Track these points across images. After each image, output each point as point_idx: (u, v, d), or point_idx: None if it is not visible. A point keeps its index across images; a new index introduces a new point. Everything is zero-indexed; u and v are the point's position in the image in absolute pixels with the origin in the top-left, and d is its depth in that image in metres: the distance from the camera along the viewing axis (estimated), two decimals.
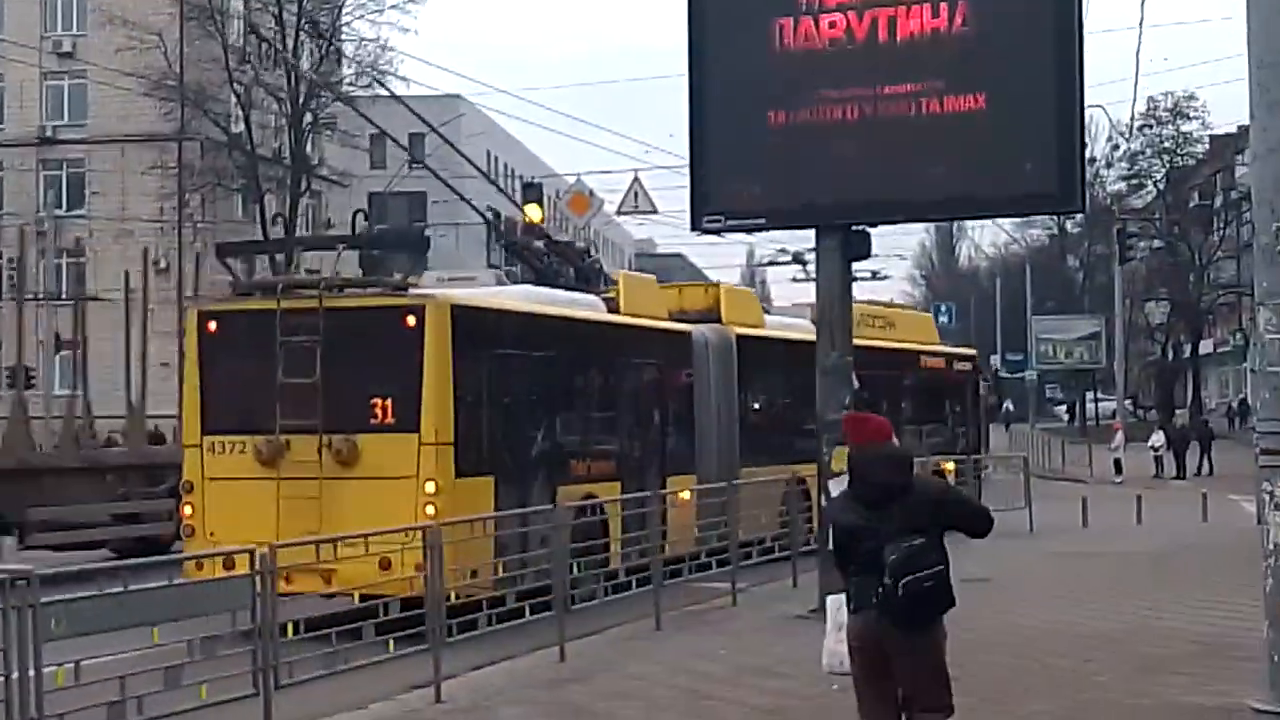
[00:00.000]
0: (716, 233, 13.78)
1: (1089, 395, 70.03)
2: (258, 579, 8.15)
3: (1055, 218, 70.75)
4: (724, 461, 17.55)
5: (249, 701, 8.08)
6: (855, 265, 14.36)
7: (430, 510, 12.37)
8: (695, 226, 13.56)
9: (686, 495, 15.90)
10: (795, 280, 34.01)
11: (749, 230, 14.04)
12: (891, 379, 22.28)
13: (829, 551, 6.51)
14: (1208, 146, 65.38)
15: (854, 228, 13.45)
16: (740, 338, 18.28)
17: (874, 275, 33.54)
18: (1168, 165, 64.57)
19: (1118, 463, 40.41)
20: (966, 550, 19.78)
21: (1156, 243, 64.90)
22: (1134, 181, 66.09)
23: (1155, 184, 65.39)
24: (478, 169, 24.11)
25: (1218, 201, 65.78)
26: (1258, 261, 5.92)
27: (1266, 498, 5.84)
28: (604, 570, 13.62)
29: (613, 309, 16.76)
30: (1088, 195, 17.70)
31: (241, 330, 13.67)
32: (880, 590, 5.93)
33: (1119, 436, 42.13)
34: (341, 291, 13.59)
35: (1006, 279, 77.25)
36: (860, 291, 21.84)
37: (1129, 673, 10.00)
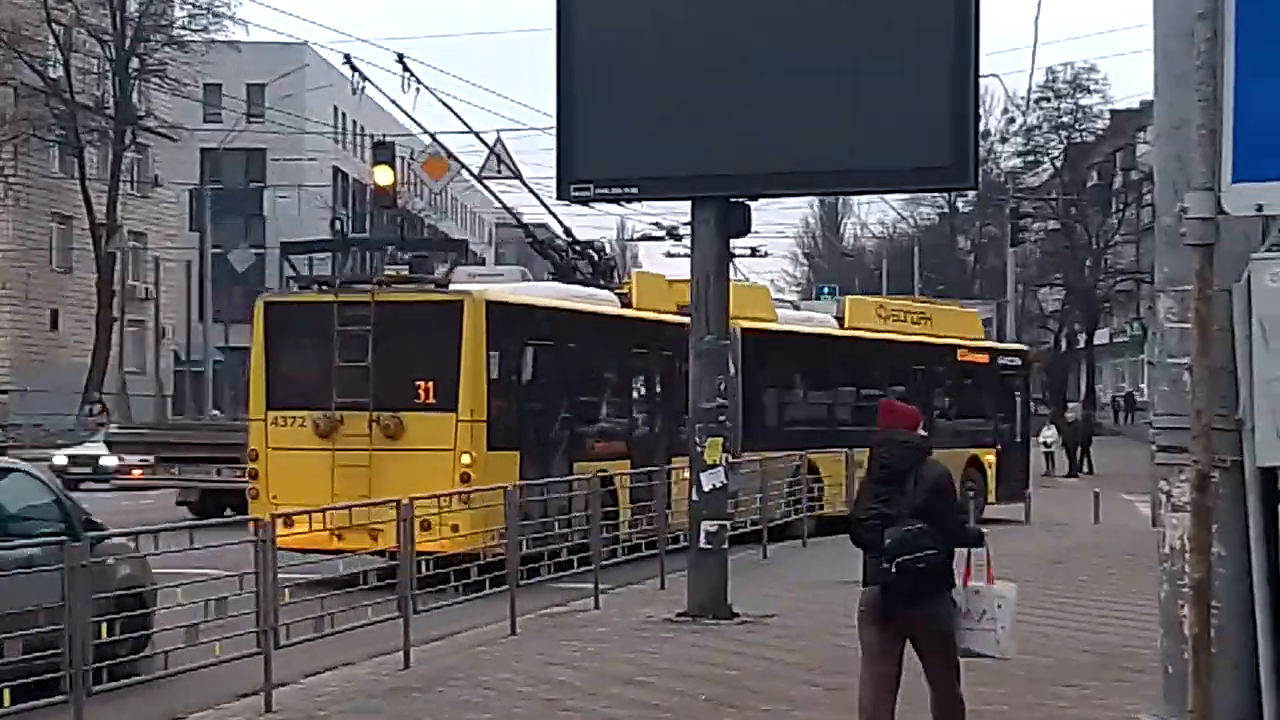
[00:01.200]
0: (584, 202, 13.77)
1: None
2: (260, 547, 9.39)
3: (946, 196, 71.95)
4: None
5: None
6: (733, 241, 14.43)
7: (464, 478, 15.47)
8: (561, 195, 13.53)
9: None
10: (669, 255, 34.01)
11: (619, 201, 14.03)
12: (925, 373, 24.95)
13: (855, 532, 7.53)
14: (1108, 122, 66.78)
15: (732, 200, 13.49)
16: (744, 331, 20.59)
17: (753, 252, 33.75)
18: (1065, 141, 65.85)
19: (1048, 458, 41.26)
20: (848, 552, 20.17)
21: (1052, 224, 66.20)
22: (1030, 158, 67.33)
23: (1052, 161, 66.62)
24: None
25: (1117, 181, 67.16)
26: (1159, 245, 6.02)
27: (1163, 498, 5.95)
28: (614, 535, 16.45)
29: (625, 303, 20.08)
30: (980, 171, 17.98)
31: (302, 320, 17.10)
32: (883, 569, 7.03)
33: (1052, 431, 42.85)
34: (391, 287, 16.90)
35: (894, 260, 78.29)
36: (736, 270, 22.28)
37: (1015, 686, 10.18)
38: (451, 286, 16.77)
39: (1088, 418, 48.21)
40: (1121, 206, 65.00)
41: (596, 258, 22.13)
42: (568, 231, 22.56)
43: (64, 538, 9.12)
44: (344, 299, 16.80)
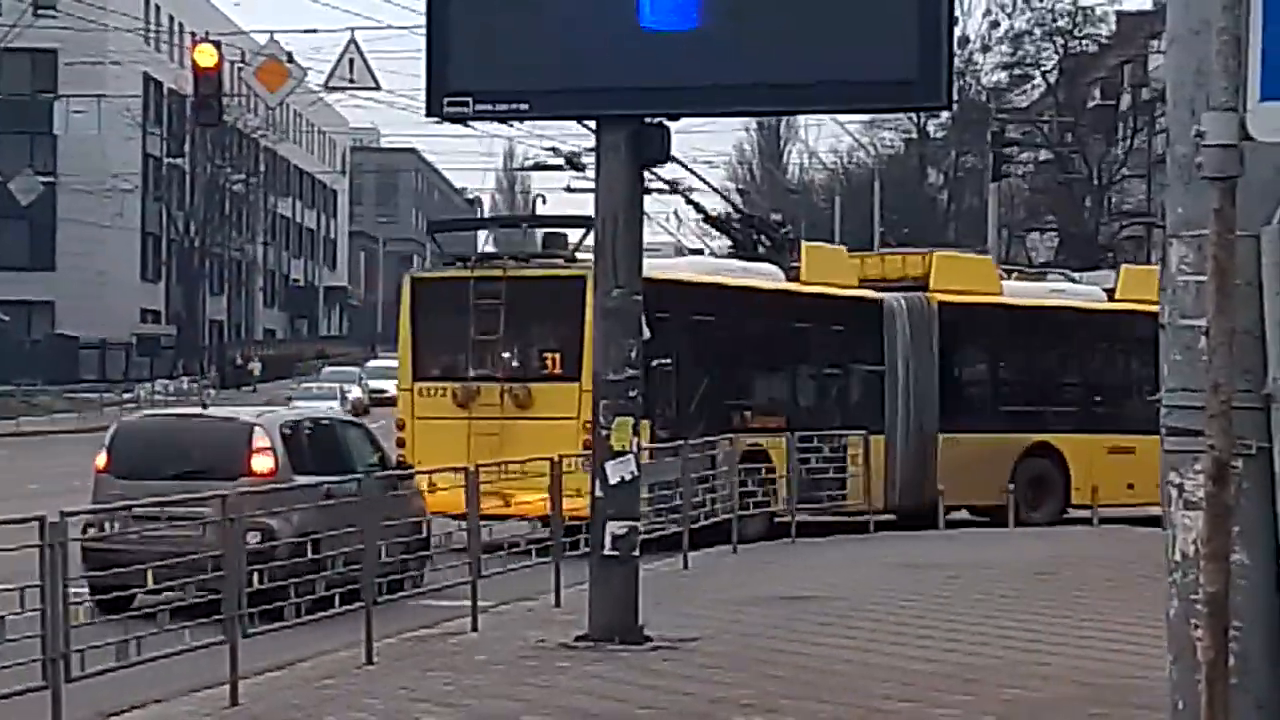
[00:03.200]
0: (461, 121, 13.70)
1: None
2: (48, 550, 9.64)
3: (913, 118, 72.32)
4: (917, 425, 25.39)
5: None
6: (649, 172, 14.40)
7: (587, 446, 17.21)
8: (433, 112, 13.43)
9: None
10: (570, 190, 34.01)
11: (506, 120, 13.98)
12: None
13: None
14: (1114, 28, 67.25)
15: (648, 121, 13.47)
16: (943, 305, 25.72)
17: (673, 187, 33.71)
18: (1061, 51, 66.24)
19: None
20: (787, 559, 20.38)
21: (1044, 154, 66.69)
22: (1017, 72, 67.77)
23: (1045, 75, 67.04)
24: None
25: (1124, 101, 67.68)
26: (1172, 180, 6.06)
27: (1174, 492, 6.01)
28: (768, 510, 22.15)
29: (793, 278, 24.64)
30: (956, 87, 18.15)
31: (443, 295, 22.06)
32: None
33: None
34: (521, 264, 22.15)
35: (849, 197, 78.69)
36: (651, 206, 22.81)
37: None
38: (579, 262, 20.69)
39: None
40: (1129, 133, 65.39)
41: (773, 232, 27.49)
42: (737, 208, 28.82)
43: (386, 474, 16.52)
44: (478, 275, 21.74)
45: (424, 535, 16.05)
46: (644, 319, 14.01)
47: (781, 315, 24.42)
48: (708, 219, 28.06)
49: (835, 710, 10.62)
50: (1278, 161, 5.93)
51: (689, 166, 26.44)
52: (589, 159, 24.26)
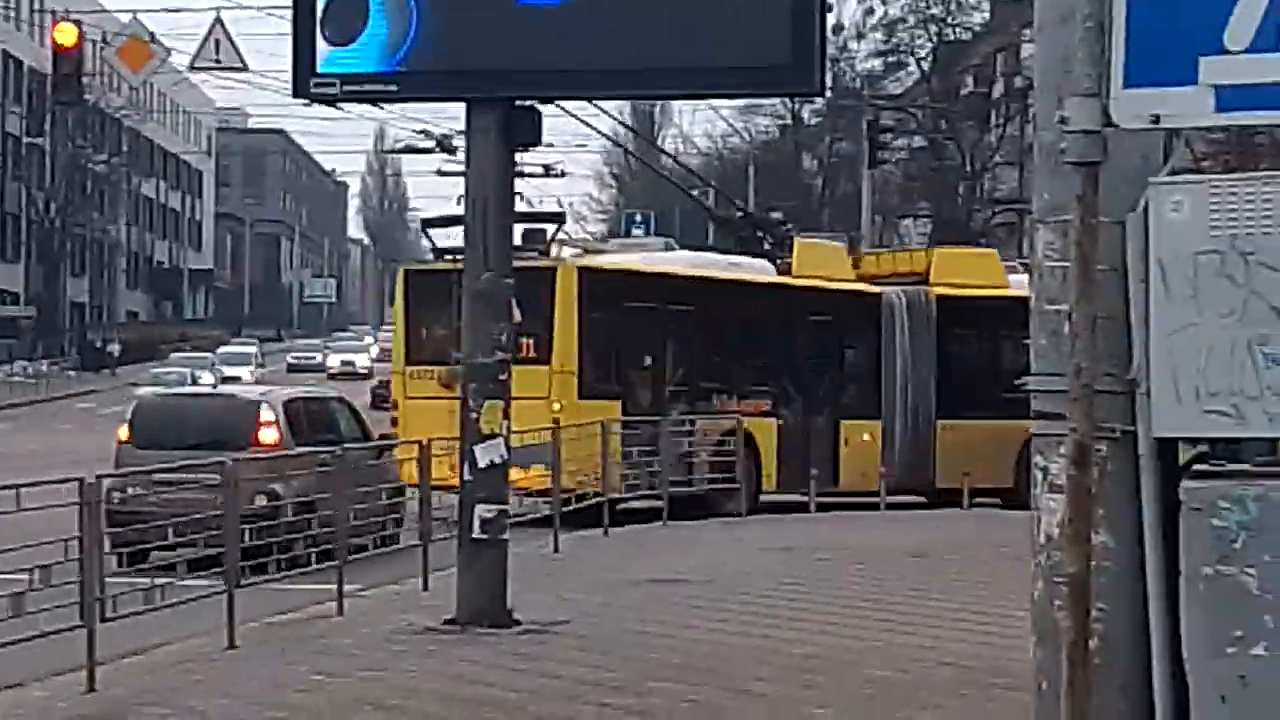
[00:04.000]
0: (329, 102, 13.63)
1: None
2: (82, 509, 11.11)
3: (788, 104, 72.60)
4: (914, 412, 27.37)
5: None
6: (521, 156, 14.40)
7: (555, 423, 20.87)
8: (300, 93, 13.36)
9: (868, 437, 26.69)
10: (442, 174, 33.94)
11: (374, 101, 13.93)
12: None
13: None
14: (988, 16, 67.75)
15: (519, 104, 13.47)
16: (941, 299, 27.65)
17: (547, 171, 33.72)
18: (936, 39, 66.75)
19: None
20: (658, 541, 20.45)
21: (918, 141, 67.16)
22: (892, 59, 68.14)
23: (919, 63, 67.50)
24: None
25: (997, 89, 68.28)
26: (1039, 166, 6.17)
27: (1039, 475, 6.12)
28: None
29: (784, 271, 26.85)
30: (830, 74, 18.32)
31: (431, 287, 23.49)
32: None
33: None
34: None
35: (725, 182, 78.78)
36: (528, 189, 23.17)
37: (858, 704, 10.40)
38: (555, 256, 23.77)
39: None
40: (1002, 120, 65.90)
41: (775, 229, 30.13)
42: (739, 206, 33.81)
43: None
44: (460, 268, 23.27)
45: (401, 500, 17.67)
46: (514, 301, 14.01)
47: (773, 308, 26.33)
48: (713, 217, 31.49)
49: (704, 693, 10.69)
50: (1144, 148, 6.04)
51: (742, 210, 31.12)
52: (461, 142, 24.35)
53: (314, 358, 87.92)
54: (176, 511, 13.56)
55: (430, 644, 12.70)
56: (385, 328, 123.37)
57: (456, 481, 16.42)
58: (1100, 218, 5.72)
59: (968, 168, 65.22)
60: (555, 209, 34.06)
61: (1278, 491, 5.73)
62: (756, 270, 26.83)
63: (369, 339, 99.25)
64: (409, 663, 11.88)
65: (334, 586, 14.32)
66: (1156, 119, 5.54)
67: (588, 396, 23.39)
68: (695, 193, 49.48)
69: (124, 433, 19.54)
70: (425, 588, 15.50)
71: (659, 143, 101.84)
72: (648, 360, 24.96)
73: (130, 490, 15.21)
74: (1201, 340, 5.77)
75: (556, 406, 22.53)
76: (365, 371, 76.52)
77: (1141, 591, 5.90)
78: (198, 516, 13.37)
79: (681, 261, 26.42)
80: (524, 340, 22.71)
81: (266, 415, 19.01)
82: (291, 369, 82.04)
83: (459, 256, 23.69)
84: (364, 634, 13.22)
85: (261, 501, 15.51)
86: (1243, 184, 5.87)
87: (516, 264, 22.71)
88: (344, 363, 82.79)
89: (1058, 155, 5.75)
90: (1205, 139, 38.35)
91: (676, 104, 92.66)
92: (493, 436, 13.55)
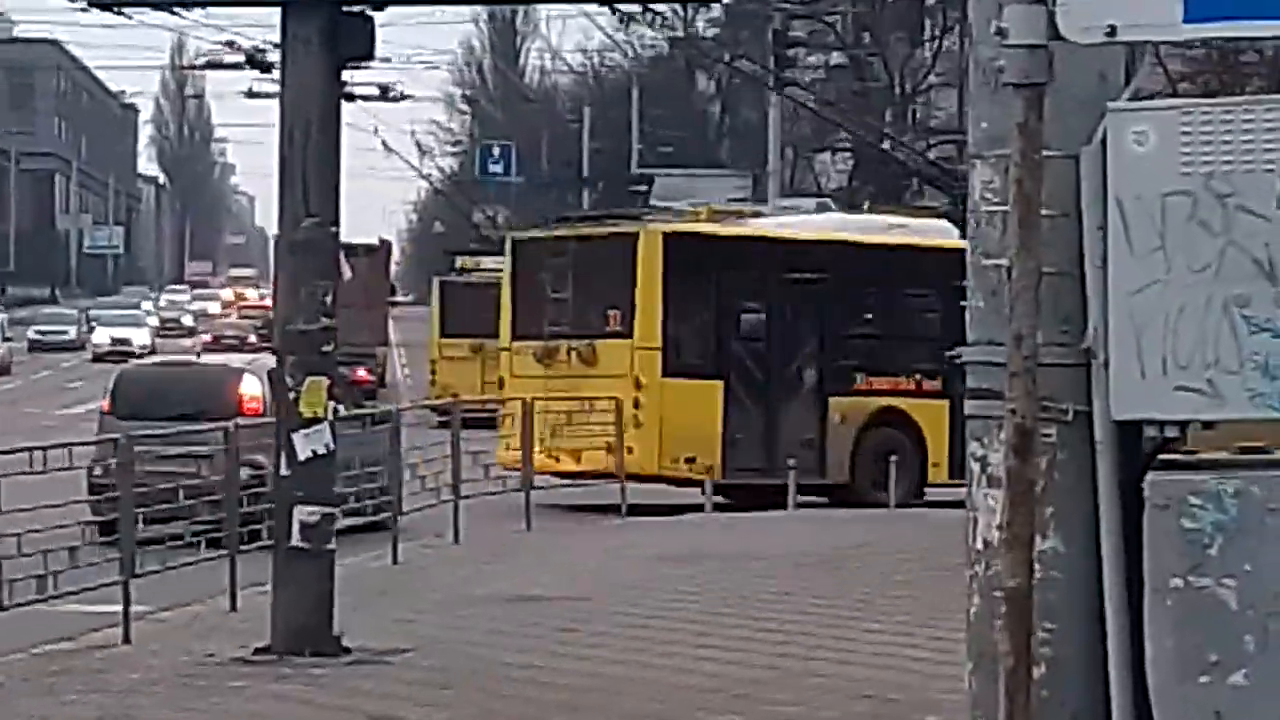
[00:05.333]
0: (110, 7, 13.50)
1: None
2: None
3: (678, 10, 72.55)
4: None
5: None
6: (352, 75, 14.32)
7: (635, 404, 25.24)
8: None
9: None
10: (251, 95, 33.68)
11: (168, 7, 13.80)
12: None
13: None
14: None
15: (347, 8, 13.39)
16: None
17: (384, 93, 33.76)
18: None
19: None
20: (522, 550, 20.43)
21: (836, 58, 67.41)
22: None
23: None
24: None
25: None
26: (974, 88, 6.18)
27: (976, 466, 6.14)
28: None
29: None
30: None
31: (532, 256, 27.88)
32: None
33: None
34: (596, 223, 28.78)
35: (601, 107, 78.95)
36: (353, 115, 22.85)
37: None
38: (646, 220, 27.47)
39: None
40: (938, 32, 66.16)
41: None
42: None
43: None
44: (553, 236, 27.78)
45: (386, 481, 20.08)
46: (342, 256, 13.95)
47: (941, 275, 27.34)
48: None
49: None
50: (1101, 66, 6.06)
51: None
52: (277, 56, 24.12)
53: (65, 332, 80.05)
54: (164, 482, 15.92)
55: (235, 678, 12.61)
56: (174, 289, 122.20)
57: (561, 468, 22.10)
58: (1048, 151, 5.74)
59: (897, 90, 65.46)
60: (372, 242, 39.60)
61: (1261, 484, 5.77)
62: (928, 233, 27.99)
63: (147, 305, 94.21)
64: (206, 702, 11.80)
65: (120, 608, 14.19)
66: (1113, 31, 5.55)
67: (674, 374, 25.86)
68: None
69: (105, 402, 23.01)
70: (234, 608, 15.40)
71: (521, 59, 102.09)
72: (760, 335, 27.09)
73: (111, 461, 16.82)
74: (1170, 301, 5.81)
75: (638, 384, 25.59)
76: (143, 351, 67.80)
77: (1098, 607, 5.93)
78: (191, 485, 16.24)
79: (831, 225, 28.62)
80: (610, 312, 26.39)
81: (250, 384, 21.82)
82: (34, 347, 75.65)
83: (578, 221, 28.45)
84: (154, 667, 13.10)
85: (245, 474, 17.09)
86: (1220, 110, 5.90)
87: (599, 230, 27.48)
88: (116, 340, 73.19)
89: (996, 75, 5.75)
90: (1182, 56, 38.76)
91: (542, 10, 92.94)
92: (315, 421, 13.45)
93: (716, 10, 63.99)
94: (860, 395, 27.17)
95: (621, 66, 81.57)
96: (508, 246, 29.05)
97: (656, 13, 59.14)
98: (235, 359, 27.34)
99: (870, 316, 28.06)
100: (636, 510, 24.09)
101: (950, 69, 63.81)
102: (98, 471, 18.14)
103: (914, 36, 66.19)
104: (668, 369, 25.78)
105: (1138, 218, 5.81)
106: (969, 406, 6.18)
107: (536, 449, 23.66)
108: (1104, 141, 5.85)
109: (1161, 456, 5.98)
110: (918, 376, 27.47)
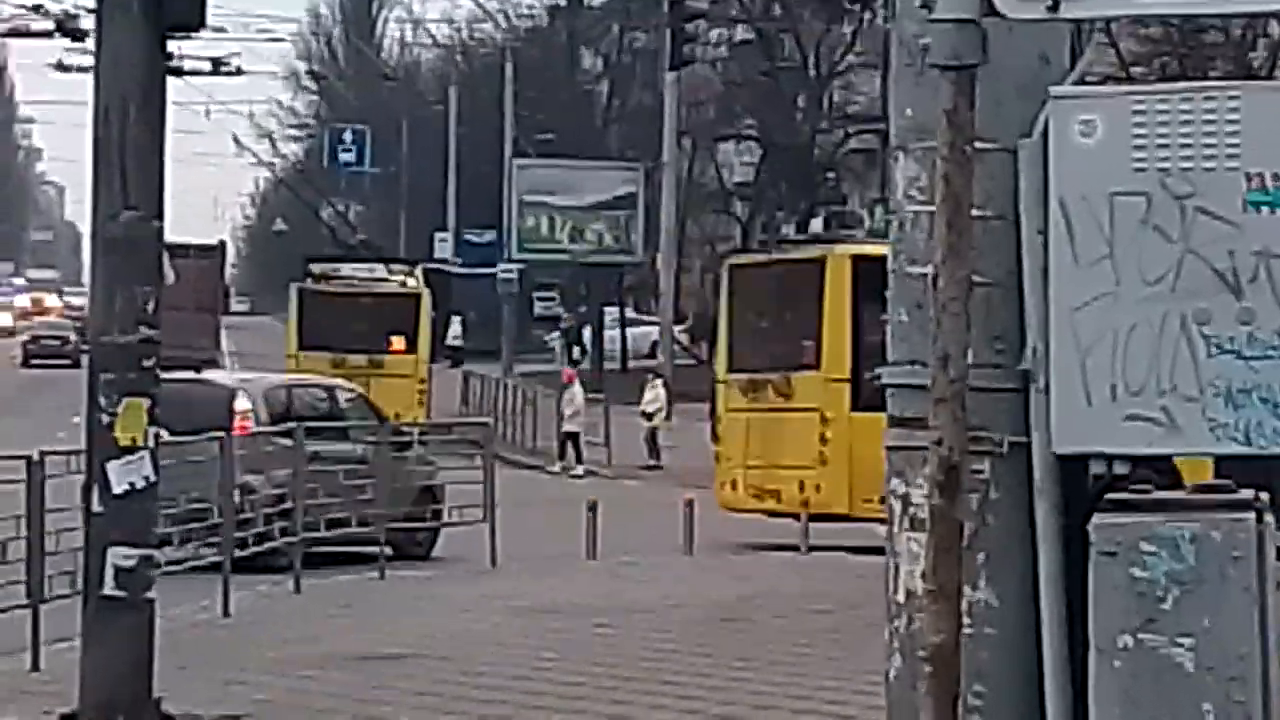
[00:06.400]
0: None
1: (613, 313, 72.27)
2: None
3: None
4: None
5: None
6: (180, 46, 14.25)
7: (822, 440, 26.47)
8: None
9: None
10: (63, 68, 33.49)
11: None
12: None
13: None
14: None
15: None
16: None
17: (216, 67, 33.55)
18: None
19: (652, 438, 43.53)
20: (374, 601, 20.31)
21: (742, 33, 67.57)
22: None
23: None
24: None
25: None
26: (897, 72, 6.20)
27: (897, 505, 6.16)
28: None
29: None
30: None
31: (743, 283, 29.23)
32: None
33: (655, 391, 44.70)
34: (793, 246, 29.93)
35: (469, 86, 78.80)
36: (180, 92, 22.69)
37: None
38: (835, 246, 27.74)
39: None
40: (858, 5, 66.38)
41: None
42: None
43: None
44: (752, 262, 29.76)
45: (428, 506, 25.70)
46: (166, 256, 13.86)
47: None
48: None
49: None
50: (1043, 46, 6.09)
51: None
52: (91, 23, 23.99)
53: None
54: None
55: None
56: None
57: (765, 507, 24.48)
58: (980, 143, 5.76)
59: (810, 72, 65.65)
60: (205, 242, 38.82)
61: (1223, 529, 5.81)
62: None
63: None
64: None
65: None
66: (1054, 4, 5.58)
67: (867, 408, 25.34)
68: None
69: None
70: (35, 666, 15.26)
71: (378, 30, 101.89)
72: None
73: None
74: (1120, 317, 5.86)
75: (823, 420, 26.81)
76: None
77: (1035, 668, 5.96)
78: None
79: None
80: (805, 342, 27.76)
81: (243, 404, 24.50)
82: None
83: (798, 242, 29.80)
84: None
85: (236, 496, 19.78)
86: (1178, 98, 5.94)
87: (792, 256, 28.98)
88: None
89: (921, 55, 5.77)
90: (1137, 35, 39.15)
91: None
92: (134, 449, 13.35)
93: None
94: None
95: (494, 40, 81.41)
96: (724, 272, 30.76)
97: None
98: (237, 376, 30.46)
99: None
100: (817, 549, 25.18)
101: (873, 48, 64.03)
102: None
103: (831, 10, 66.34)
104: (858, 403, 26.22)
105: (1083, 221, 5.85)
106: (888, 436, 6.20)
107: (740, 487, 27.58)
108: (1046, 133, 5.87)
109: (1110, 496, 6.01)
110: None
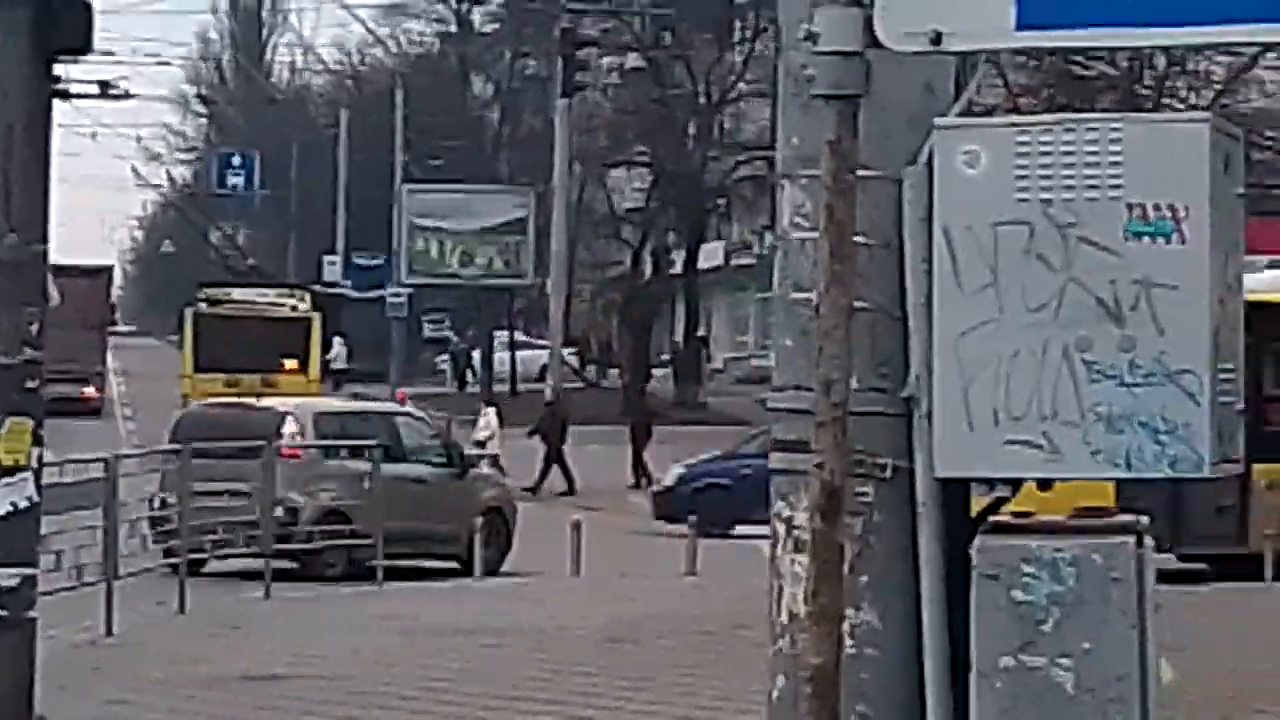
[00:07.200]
0: None
1: (502, 337, 72.14)
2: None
3: (453, 2, 72.61)
4: None
5: None
6: (67, 70, 14.18)
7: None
8: None
9: None
10: None
11: None
12: None
13: None
14: None
15: None
16: None
17: (104, 90, 33.40)
18: None
19: (495, 460, 43.35)
20: (259, 620, 20.22)
21: (634, 60, 67.55)
22: None
23: None
24: None
25: None
26: (784, 100, 6.23)
27: (781, 529, 6.19)
28: None
29: None
30: None
31: None
32: None
33: (487, 419, 45.81)
34: None
35: (361, 111, 78.60)
36: (67, 115, 22.50)
37: None
38: None
39: (557, 397, 50.28)
40: (749, 34, 66.46)
41: None
42: None
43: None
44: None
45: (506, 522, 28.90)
46: (50, 278, 13.78)
47: None
48: None
49: None
50: (928, 77, 6.14)
51: None
52: None
53: None
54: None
55: None
56: None
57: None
58: (866, 172, 5.80)
59: (701, 99, 65.62)
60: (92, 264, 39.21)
61: (1103, 552, 5.87)
62: None
63: None
64: None
65: None
66: (937, 38, 5.62)
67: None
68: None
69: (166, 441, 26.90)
70: None
71: (267, 54, 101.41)
72: None
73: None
74: (1003, 344, 5.89)
75: None
76: None
77: (918, 689, 5.99)
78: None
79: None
80: None
81: (290, 426, 27.12)
82: None
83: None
84: None
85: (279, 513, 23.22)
86: (1061, 129, 6.00)
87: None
88: None
89: (807, 85, 5.81)
90: (1025, 67, 39.33)
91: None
92: (17, 470, 13.28)
93: (495, 1, 64.14)
94: None
95: (385, 65, 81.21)
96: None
97: None
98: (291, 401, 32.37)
99: None
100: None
101: (763, 76, 64.05)
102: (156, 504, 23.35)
103: (722, 39, 66.36)
104: None
105: (967, 249, 5.88)
106: (773, 459, 6.23)
107: None
108: (931, 163, 5.91)
109: (992, 519, 6.07)
110: None
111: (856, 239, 5.77)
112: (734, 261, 73.80)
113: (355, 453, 26.53)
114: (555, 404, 48.32)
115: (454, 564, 27.41)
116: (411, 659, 17.44)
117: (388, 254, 66.90)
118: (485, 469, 30.29)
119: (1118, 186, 5.83)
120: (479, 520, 27.08)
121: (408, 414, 31.25)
